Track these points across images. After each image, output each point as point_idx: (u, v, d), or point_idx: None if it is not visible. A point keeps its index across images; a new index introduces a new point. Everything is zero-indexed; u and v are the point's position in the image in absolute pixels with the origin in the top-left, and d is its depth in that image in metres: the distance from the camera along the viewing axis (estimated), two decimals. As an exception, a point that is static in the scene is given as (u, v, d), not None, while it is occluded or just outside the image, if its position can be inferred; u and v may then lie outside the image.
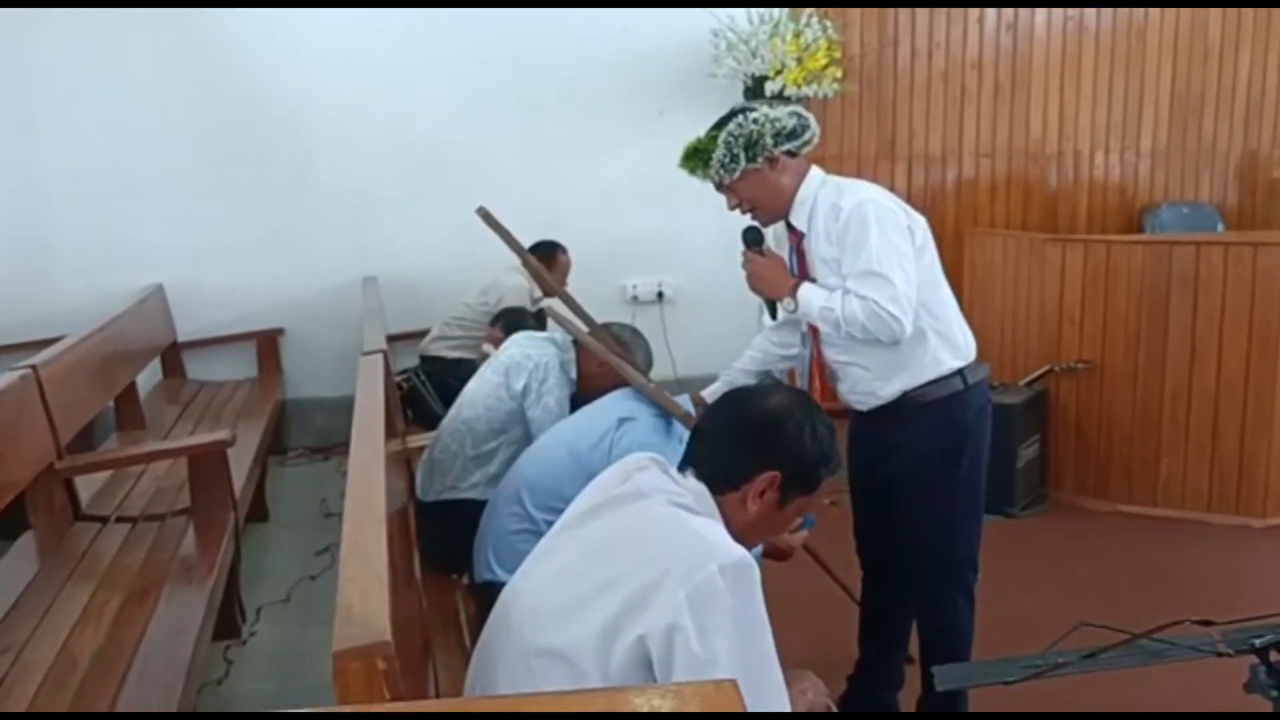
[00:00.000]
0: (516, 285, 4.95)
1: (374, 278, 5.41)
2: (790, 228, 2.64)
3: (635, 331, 3.26)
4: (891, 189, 6.14)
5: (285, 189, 5.42)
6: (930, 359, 2.57)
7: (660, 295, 5.85)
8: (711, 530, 1.59)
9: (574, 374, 3.12)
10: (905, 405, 2.57)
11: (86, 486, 3.60)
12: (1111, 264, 4.59)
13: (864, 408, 2.65)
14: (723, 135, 2.53)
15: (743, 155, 2.52)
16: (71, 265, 5.34)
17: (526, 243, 5.21)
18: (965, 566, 2.73)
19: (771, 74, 5.38)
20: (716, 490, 1.70)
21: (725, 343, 4.62)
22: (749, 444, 1.74)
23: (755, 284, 2.70)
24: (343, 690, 1.39)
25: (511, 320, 4.18)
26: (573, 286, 5.26)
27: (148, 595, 2.90)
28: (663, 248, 5.73)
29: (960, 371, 2.62)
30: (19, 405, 3.14)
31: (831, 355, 2.65)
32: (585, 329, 3.06)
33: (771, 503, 1.73)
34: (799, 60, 5.37)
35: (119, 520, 3.47)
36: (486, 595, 2.54)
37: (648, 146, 5.62)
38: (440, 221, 5.51)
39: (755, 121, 2.52)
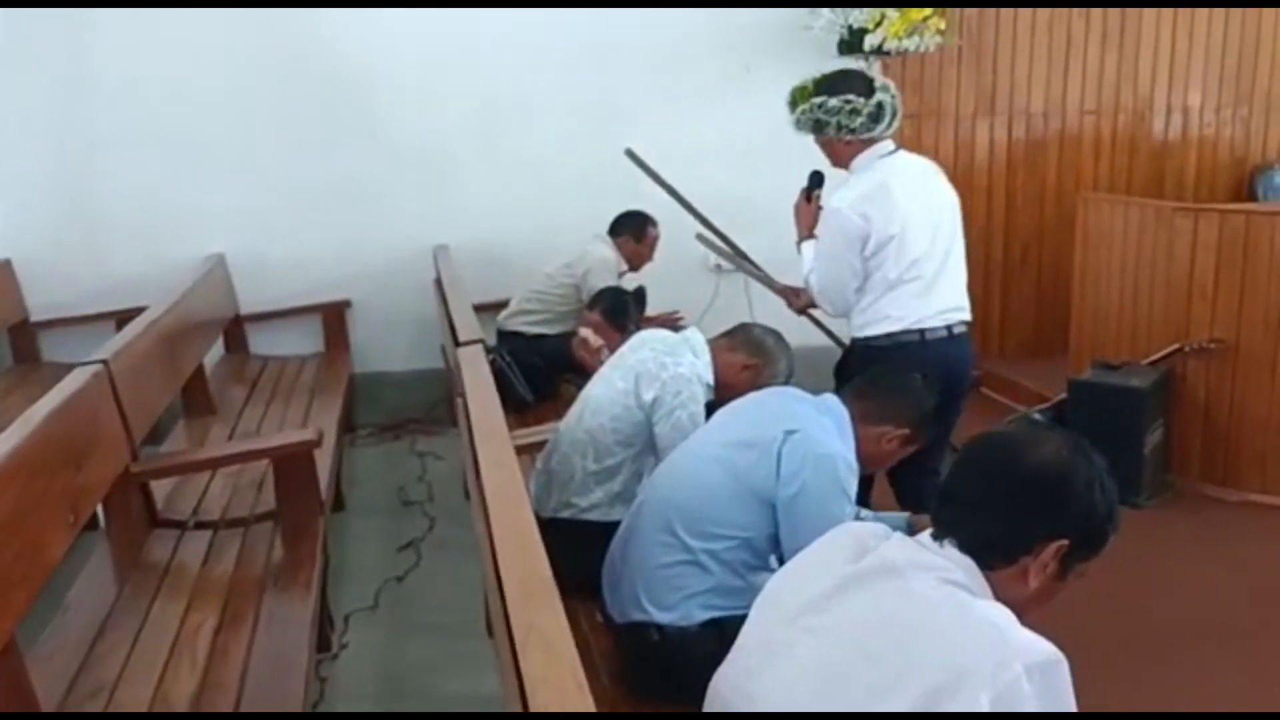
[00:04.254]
0: (604, 257, 4.64)
1: (445, 246, 5.11)
2: None
3: (779, 337, 2.96)
4: (990, 147, 5.80)
5: (352, 151, 5.10)
6: (869, 324, 3.15)
7: (744, 263, 5.51)
8: (1005, 620, 1.31)
9: (710, 380, 2.80)
10: (856, 344, 3.24)
11: (158, 487, 3.34)
12: (1251, 236, 4.22)
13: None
14: (807, 106, 3.15)
15: (808, 127, 3.17)
16: (127, 233, 5.06)
17: (613, 213, 4.94)
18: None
19: (871, 26, 4.99)
20: (986, 564, 1.41)
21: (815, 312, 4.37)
22: (1029, 509, 1.42)
23: (797, 217, 3.39)
24: None
25: (613, 304, 3.87)
26: (656, 253, 4.97)
27: (241, 618, 2.65)
28: (748, 212, 5.30)
29: (891, 332, 3.12)
30: (94, 406, 2.87)
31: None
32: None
33: (1053, 573, 1.44)
34: (900, 9, 4.98)
35: (198, 526, 3.22)
36: (637, 638, 2.28)
37: (733, 106, 5.31)
38: (516, 187, 5.23)
39: (827, 110, 3.09)
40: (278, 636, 2.55)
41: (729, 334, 2.98)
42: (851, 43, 5.07)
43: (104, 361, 3.04)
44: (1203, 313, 4.37)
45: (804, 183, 3.40)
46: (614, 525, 2.76)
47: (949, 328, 3.17)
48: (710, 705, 1.55)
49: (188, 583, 2.86)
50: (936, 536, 1.46)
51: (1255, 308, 4.24)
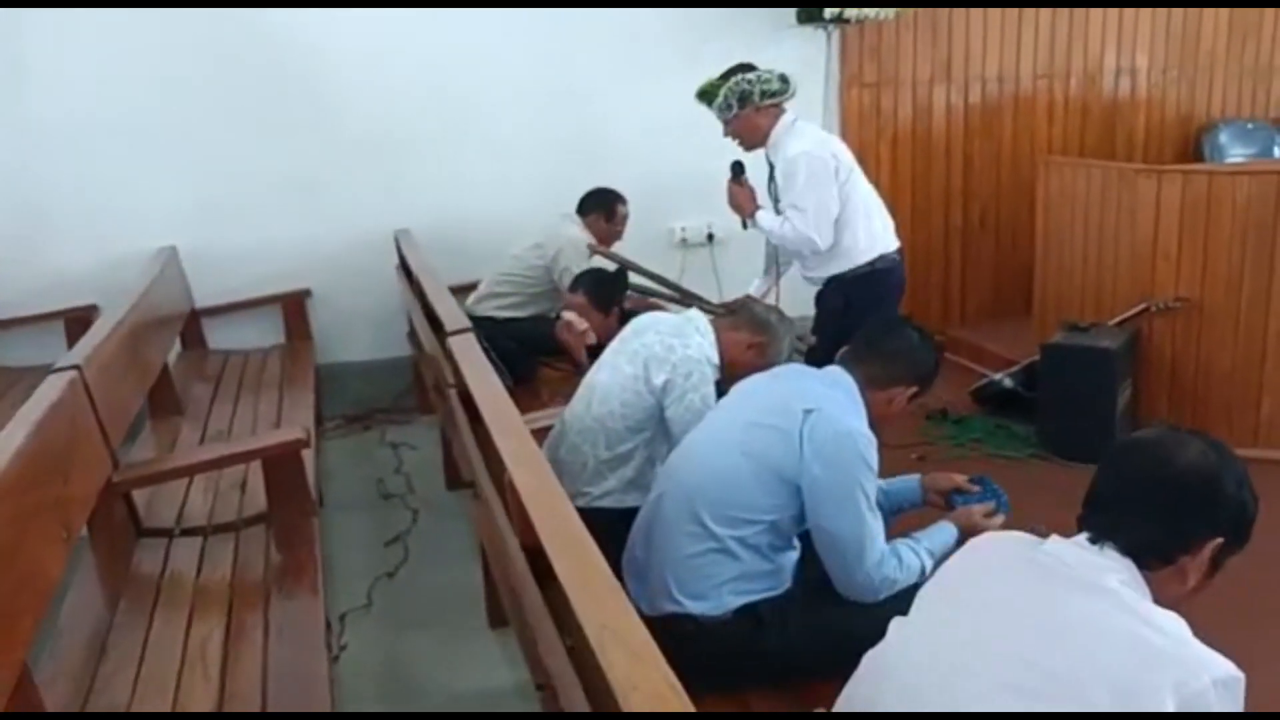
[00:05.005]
0: (574, 237, 4.55)
1: (407, 230, 4.99)
2: (768, 160, 3.80)
3: (781, 314, 2.93)
4: (947, 113, 5.83)
5: (304, 138, 4.94)
6: (844, 257, 3.73)
7: (710, 237, 5.48)
8: (1187, 632, 1.37)
9: (716, 360, 2.76)
10: (833, 281, 3.77)
11: (136, 495, 3.21)
12: (1213, 195, 4.29)
13: (816, 284, 3.86)
14: (726, 85, 3.68)
15: (736, 105, 3.69)
16: (69, 229, 4.84)
17: (575, 191, 4.86)
18: None
19: (828, -6, 4.98)
20: (1145, 565, 1.45)
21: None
22: (1187, 511, 1.46)
23: (732, 204, 3.90)
24: None
25: (596, 286, 3.80)
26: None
27: (249, 626, 2.55)
28: (711, 187, 5.30)
29: (871, 260, 3.74)
30: (72, 415, 2.73)
31: (790, 256, 3.92)
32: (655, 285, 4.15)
33: (1208, 571, 1.49)
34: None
35: (185, 533, 3.10)
36: (672, 630, 2.23)
37: (691, 81, 5.22)
38: (475, 168, 5.13)
39: (750, 81, 3.68)
40: (291, 643, 2.46)
41: (730, 312, 2.95)
42: (811, 12, 5.04)
43: (77, 367, 2.90)
44: (1167, 272, 4.44)
45: (729, 173, 3.90)
46: (628, 511, 2.73)
47: (900, 250, 3.86)
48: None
49: (185, 593, 2.76)
50: (1094, 540, 1.48)
51: (1218, 266, 4.32)
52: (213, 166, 4.87)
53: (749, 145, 3.81)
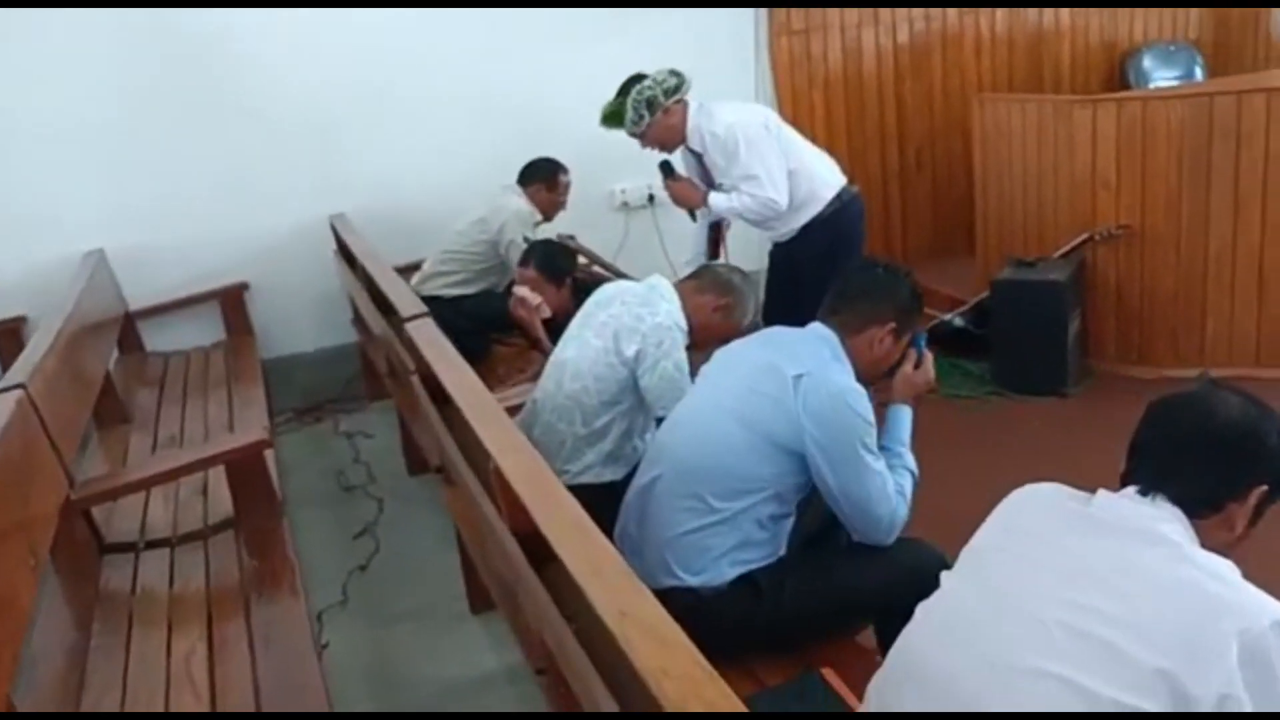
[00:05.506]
0: (518, 209, 4.46)
1: (343, 215, 4.87)
2: (691, 151, 3.88)
3: (744, 274, 2.89)
4: (877, 56, 5.81)
5: (228, 128, 4.75)
6: (814, 200, 3.84)
7: (651, 198, 5.41)
8: (1240, 577, 1.41)
9: (685, 325, 2.73)
10: (810, 225, 3.87)
11: (95, 512, 3.10)
12: (1148, 121, 4.35)
13: (786, 239, 3.96)
14: (629, 101, 3.75)
15: (646, 113, 3.76)
16: (-10, 235, 4.65)
17: (511, 161, 4.76)
18: None
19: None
20: (1195, 514, 1.49)
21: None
22: (1234, 460, 1.51)
23: (677, 201, 4.02)
24: None
25: (547, 258, 3.72)
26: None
27: (233, 637, 2.48)
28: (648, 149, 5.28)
29: (837, 194, 3.88)
30: (23, 435, 2.62)
31: (754, 225, 3.98)
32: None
33: (1251, 518, 1.54)
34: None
35: (150, 546, 3.00)
36: (672, 604, 2.20)
37: (623, 40, 5.15)
38: (407, 145, 5.02)
39: (649, 87, 3.74)
40: (279, 651, 2.39)
41: (694, 276, 2.91)
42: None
43: (22, 385, 2.78)
44: (1107, 201, 4.50)
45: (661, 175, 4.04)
46: (609, 485, 2.71)
47: (851, 181, 4.01)
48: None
49: (160, 609, 2.67)
50: (1143, 492, 1.52)
51: (1157, 190, 4.38)
52: (136, 165, 4.67)
53: (669, 146, 3.91)
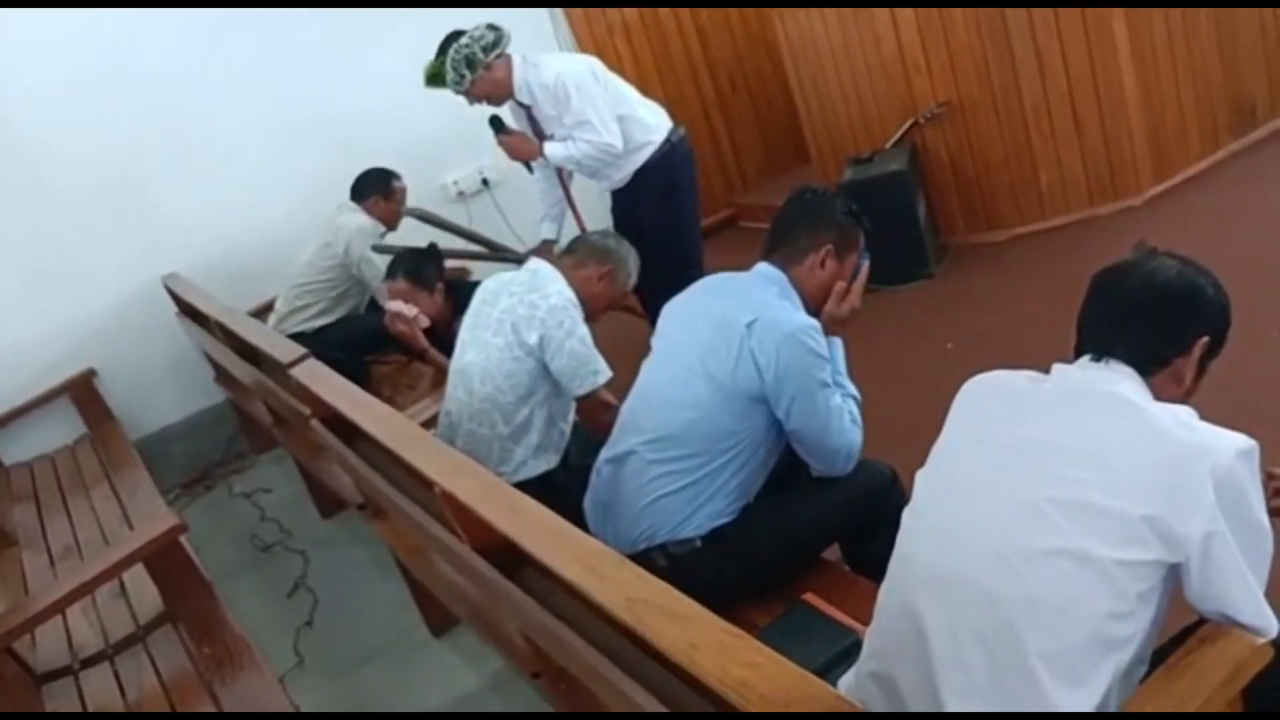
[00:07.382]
0: (359, 225, 4.35)
1: (175, 274, 4.64)
2: (520, 104, 3.87)
3: (617, 237, 2.89)
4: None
5: (20, 211, 4.44)
6: (645, 145, 3.89)
7: (485, 182, 5.35)
8: (1196, 418, 1.48)
9: (577, 300, 2.71)
10: (644, 170, 3.92)
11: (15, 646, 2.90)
12: (942, -1, 4.49)
13: (620, 185, 4.00)
14: (448, 60, 3.68)
15: (467, 71, 3.70)
16: None
17: (329, 180, 4.60)
18: (695, 265, 3.93)
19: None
20: (1146, 372, 1.56)
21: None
22: (1177, 312, 1.58)
23: (512, 156, 3.98)
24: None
25: (414, 266, 3.64)
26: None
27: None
28: (473, 134, 5.16)
29: (666, 138, 3.93)
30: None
31: (589, 175, 4.02)
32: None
33: (1195, 373, 1.61)
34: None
35: (85, 665, 2.84)
36: (653, 567, 2.21)
37: (413, 29, 4.99)
38: (223, 184, 4.81)
39: (467, 45, 3.68)
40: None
41: (569, 252, 2.89)
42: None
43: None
44: (922, 84, 4.65)
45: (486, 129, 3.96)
46: (545, 476, 2.70)
47: (676, 123, 4.05)
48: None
49: (119, 729, 2.55)
50: (1096, 358, 1.58)
51: (965, 63, 4.54)
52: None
53: (498, 100, 3.87)
